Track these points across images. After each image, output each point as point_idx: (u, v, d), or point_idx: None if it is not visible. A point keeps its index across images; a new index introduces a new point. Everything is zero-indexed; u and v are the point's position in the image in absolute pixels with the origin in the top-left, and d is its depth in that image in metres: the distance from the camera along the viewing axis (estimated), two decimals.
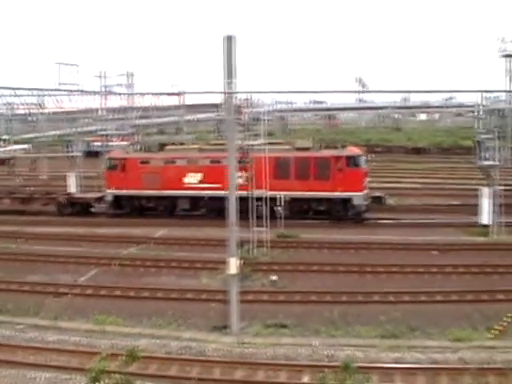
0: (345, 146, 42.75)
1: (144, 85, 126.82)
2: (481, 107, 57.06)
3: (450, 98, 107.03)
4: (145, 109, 68.74)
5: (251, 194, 32.21)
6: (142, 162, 42.58)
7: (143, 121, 68.11)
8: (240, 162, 38.71)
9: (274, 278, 26.35)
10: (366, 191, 39.45)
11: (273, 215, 34.16)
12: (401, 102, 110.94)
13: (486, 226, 35.23)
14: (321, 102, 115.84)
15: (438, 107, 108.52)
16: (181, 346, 20.09)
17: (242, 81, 21.96)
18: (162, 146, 44.72)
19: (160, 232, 37.41)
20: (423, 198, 46.36)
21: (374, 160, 57.14)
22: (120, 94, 59.35)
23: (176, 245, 34.21)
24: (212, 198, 39.73)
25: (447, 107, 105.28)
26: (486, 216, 35.41)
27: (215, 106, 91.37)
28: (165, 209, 42.37)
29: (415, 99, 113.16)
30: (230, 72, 20.40)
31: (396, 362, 18.55)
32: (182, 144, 48.97)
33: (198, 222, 39.65)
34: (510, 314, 22.05)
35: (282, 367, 18.54)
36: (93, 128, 63.06)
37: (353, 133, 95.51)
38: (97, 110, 59.25)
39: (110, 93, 55.60)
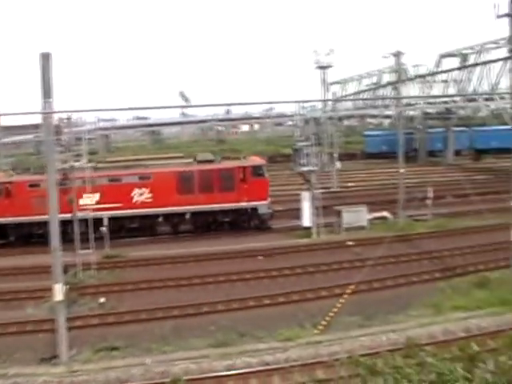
0: (245, 156, 43.51)
1: None
2: (298, 116, 59.87)
3: (270, 109, 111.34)
4: None
5: (74, 216, 31.12)
6: (32, 186, 38.18)
7: None
8: (141, 178, 38.22)
9: (102, 300, 25.76)
10: (269, 200, 39.96)
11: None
12: (223, 114, 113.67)
13: (307, 228, 36.93)
14: (144, 118, 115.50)
15: (258, 118, 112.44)
16: (6, 383, 18.96)
17: (61, 99, 21.28)
18: None
19: None
20: None
21: None
22: None
23: None
24: (112, 219, 37.38)
25: (267, 118, 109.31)
26: (307, 218, 37.09)
27: (36, 126, 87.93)
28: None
29: (237, 111, 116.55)
30: (47, 91, 19.60)
31: (228, 370, 18.84)
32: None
33: (19, 250, 37.54)
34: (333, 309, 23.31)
35: None
36: None
37: (177, 147, 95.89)
38: None
39: None
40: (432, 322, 21.98)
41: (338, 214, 38.15)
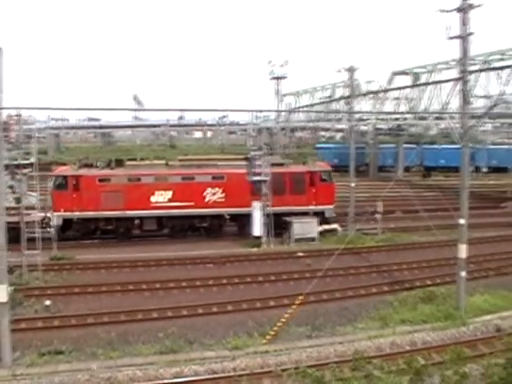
0: (309, 161, 44.48)
1: None
2: (251, 125, 60.02)
3: (224, 117, 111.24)
4: None
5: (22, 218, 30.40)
6: (101, 180, 37.86)
7: None
8: (214, 177, 38.54)
9: (48, 302, 25.18)
10: (334, 204, 41.02)
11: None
12: (176, 120, 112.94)
13: (258, 238, 36.93)
14: (96, 119, 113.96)
15: (211, 125, 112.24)
16: None
17: (11, 95, 20.79)
18: (119, 162, 40.12)
19: None
20: None
21: None
22: None
23: None
24: (181, 217, 38.45)
25: (221, 125, 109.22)
26: (257, 228, 37.09)
27: None
28: (126, 231, 38.77)
29: (190, 117, 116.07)
30: None
31: (175, 377, 18.69)
32: (142, 160, 44.80)
33: None
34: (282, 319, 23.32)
35: None
36: None
37: (129, 150, 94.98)
38: None
39: None
40: (379, 334, 22.21)
41: (289, 224, 38.24)
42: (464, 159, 25.06)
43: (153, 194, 38.10)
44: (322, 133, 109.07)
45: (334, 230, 39.93)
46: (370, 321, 24.05)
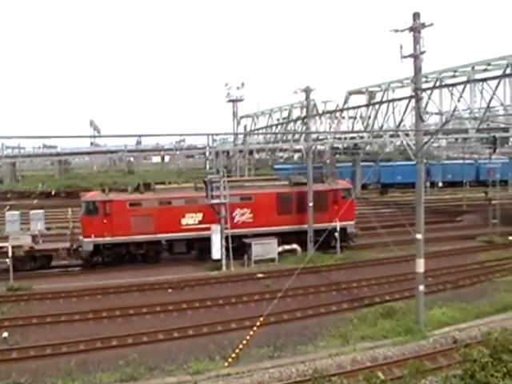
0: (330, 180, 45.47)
1: None
2: (207, 149, 60.00)
3: (181, 141, 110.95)
4: None
5: None
6: (132, 205, 37.83)
7: None
8: (242, 198, 38.96)
9: (5, 334, 24.67)
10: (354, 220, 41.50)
11: None
12: (134, 145, 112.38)
13: (217, 261, 36.82)
14: (53, 147, 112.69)
15: (169, 150, 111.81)
16: None
17: None
18: (147, 186, 40.06)
19: None
20: None
21: None
22: None
23: None
24: (209, 239, 37.68)
25: (178, 149, 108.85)
26: (217, 251, 36.99)
27: None
28: (156, 254, 38.78)
29: (148, 142, 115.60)
30: None
31: None
32: (170, 183, 44.16)
33: None
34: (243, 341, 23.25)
35: None
36: None
37: (85, 178, 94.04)
38: None
39: None
40: (340, 352, 22.31)
41: (248, 246, 38.22)
42: (419, 175, 25.49)
43: (183, 216, 38.51)
44: (280, 154, 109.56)
45: (293, 250, 40.02)
46: (330, 339, 24.18)
